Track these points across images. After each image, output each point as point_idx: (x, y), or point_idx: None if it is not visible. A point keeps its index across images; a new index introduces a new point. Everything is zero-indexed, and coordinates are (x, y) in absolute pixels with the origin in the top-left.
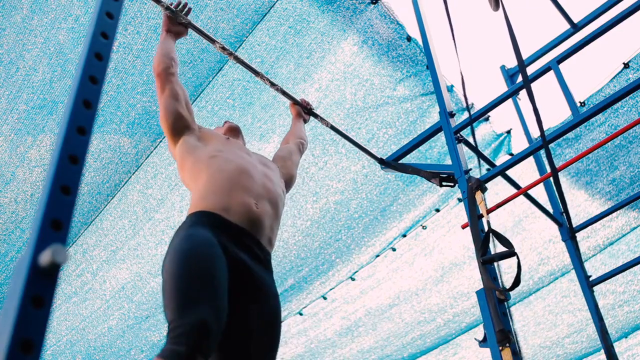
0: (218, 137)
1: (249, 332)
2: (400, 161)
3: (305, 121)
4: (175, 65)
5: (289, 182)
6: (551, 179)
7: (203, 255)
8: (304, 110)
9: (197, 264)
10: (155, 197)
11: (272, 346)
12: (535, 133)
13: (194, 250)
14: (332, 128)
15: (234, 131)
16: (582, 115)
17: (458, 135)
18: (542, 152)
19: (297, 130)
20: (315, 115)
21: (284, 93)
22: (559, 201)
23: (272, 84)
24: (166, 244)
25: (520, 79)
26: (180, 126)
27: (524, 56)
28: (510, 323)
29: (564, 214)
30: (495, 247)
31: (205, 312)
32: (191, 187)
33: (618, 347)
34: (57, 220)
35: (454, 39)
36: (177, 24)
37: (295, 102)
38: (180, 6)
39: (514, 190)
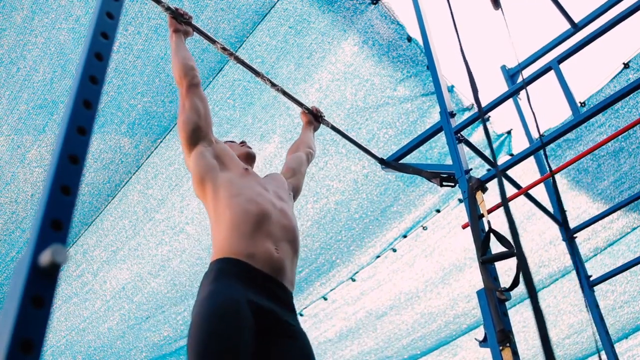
0: (236, 165)
1: None
2: (400, 161)
3: (315, 129)
4: (197, 74)
5: (296, 194)
6: (555, 175)
7: (227, 323)
8: (314, 119)
9: (221, 335)
10: (156, 197)
11: None
12: (535, 133)
13: (219, 317)
14: (333, 128)
15: (251, 159)
16: (582, 115)
17: (458, 135)
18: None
19: (307, 139)
20: (327, 124)
21: (285, 94)
22: (557, 203)
23: (273, 85)
24: (167, 244)
25: (520, 78)
26: (197, 137)
27: (525, 56)
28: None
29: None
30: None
31: None
32: (211, 217)
33: (619, 347)
34: (57, 220)
35: (458, 37)
36: (183, 23)
37: (306, 110)
38: (182, 13)
39: (514, 191)
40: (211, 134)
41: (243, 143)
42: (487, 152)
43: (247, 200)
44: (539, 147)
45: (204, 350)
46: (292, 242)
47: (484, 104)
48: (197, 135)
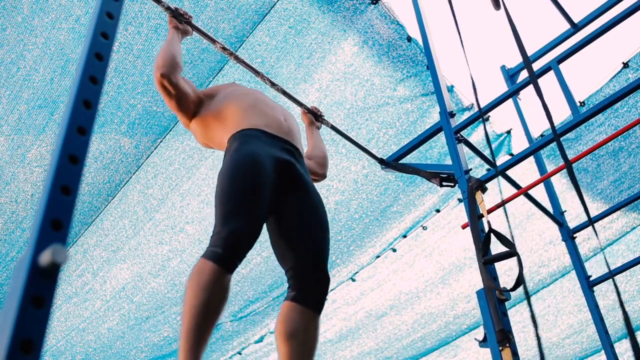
0: (223, 85)
1: (302, 214)
2: (400, 161)
3: (317, 129)
4: (179, 70)
5: None
6: (552, 177)
7: (248, 170)
8: (315, 118)
9: (241, 180)
10: (156, 197)
11: (323, 224)
12: (535, 133)
13: (240, 166)
14: (333, 128)
15: None
16: (582, 115)
17: (458, 135)
18: (542, 152)
19: (315, 149)
20: (327, 124)
21: (285, 94)
22: (576, 192)
23: (273, 84)
24: (167, 243)
25: (520, 78)
26: (192, 108)
27: None
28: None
29: (564, 214)
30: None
31: (243, 223)
32: (220, 131)
33: (618, 347)
34: (57, 220)
35: (460, 38)
36: (182, 22)
37: (306, 109)
38: (182, 13)
39: (514, 191)
40: (198, 94)
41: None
42: (487, 152)
43: (242, 90)
44: (539, 147)
45: (228, 190)
46: (294, 126)
47: (483, 104)
48: (193, 109)
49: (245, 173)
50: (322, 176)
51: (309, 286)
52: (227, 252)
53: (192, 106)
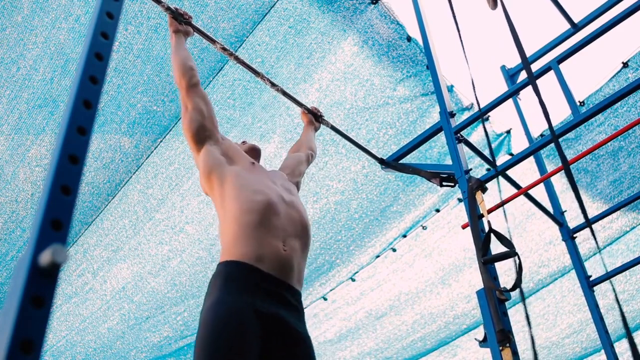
0: (244, 158)
1: None
2: (400, 161)
3: (316, 129)
4: (196, 74)
5: None
6: (552, 177)
7: (231, 335)
8: (314, 119)
9: (224, 346)
10: (156, 197)
11: None
12: (535, 133)
13: (223, 328)
14: (333, 128)
15: (256, 152)
16: (582, 115)
17: (458, 135)
18: (542, 152)
19: (308, 140)
20: (327, 124)
21: (285, 94)
22: (573, 193)
23: (273, 84)
24: (167, 243)
25: (520, 78)
26: (203, 136)
27: None
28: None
29: (564, 214)
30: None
31: None
32: (219, 212)
33: (618, 347)
34: (57, 220)
35: (460, 38)
36: (183, 23)
37: (307, 110)
38: (182, 13)
39: (514, 191)
40: (217, 132)
41: (244, 142)
42: (487, 152)
43: (253, 191)
44: (539, 147)
45: (209, 354)
46: (301, 237)
47: (484, 103)
48: (203, 134)
49: (228, 339)
50: (308, 159)
51: None
52: None
53: (205, 127)
